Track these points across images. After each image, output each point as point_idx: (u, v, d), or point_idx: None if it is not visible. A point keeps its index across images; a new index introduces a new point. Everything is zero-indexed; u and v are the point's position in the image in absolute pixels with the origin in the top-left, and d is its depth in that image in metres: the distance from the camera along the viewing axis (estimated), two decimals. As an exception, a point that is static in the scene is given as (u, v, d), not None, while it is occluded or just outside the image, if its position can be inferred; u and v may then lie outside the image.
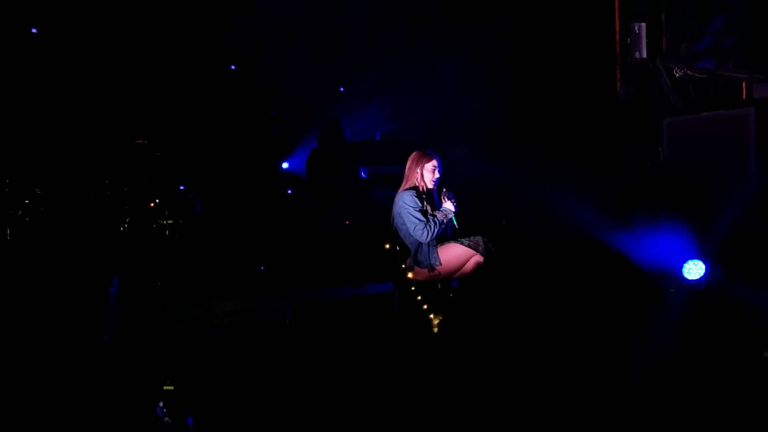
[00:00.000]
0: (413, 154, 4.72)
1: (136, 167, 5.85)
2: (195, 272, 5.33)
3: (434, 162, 4.65)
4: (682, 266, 4.75)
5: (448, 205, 4.59)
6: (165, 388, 1.53)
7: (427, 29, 6.67)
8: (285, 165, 7.22)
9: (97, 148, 5.89)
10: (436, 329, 4.42)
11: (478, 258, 4.52)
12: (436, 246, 4.55)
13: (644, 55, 5.33)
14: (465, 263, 4.55)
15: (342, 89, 7.37)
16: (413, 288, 4.64)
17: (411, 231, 4.51)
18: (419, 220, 4.48)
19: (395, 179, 4.83)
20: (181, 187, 6.27)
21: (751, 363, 3.61)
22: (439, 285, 4.64)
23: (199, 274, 5.32)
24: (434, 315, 4.49)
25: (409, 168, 4.68)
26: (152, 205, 5.79)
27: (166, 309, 4.68)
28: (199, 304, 4.71)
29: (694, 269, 4.73)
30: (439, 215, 4.55)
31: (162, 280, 5.17)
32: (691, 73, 5.25)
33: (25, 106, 5.66)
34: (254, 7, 6.72)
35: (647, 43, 5.29)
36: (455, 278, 4.64)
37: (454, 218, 4.60)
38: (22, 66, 5.68)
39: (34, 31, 5.76)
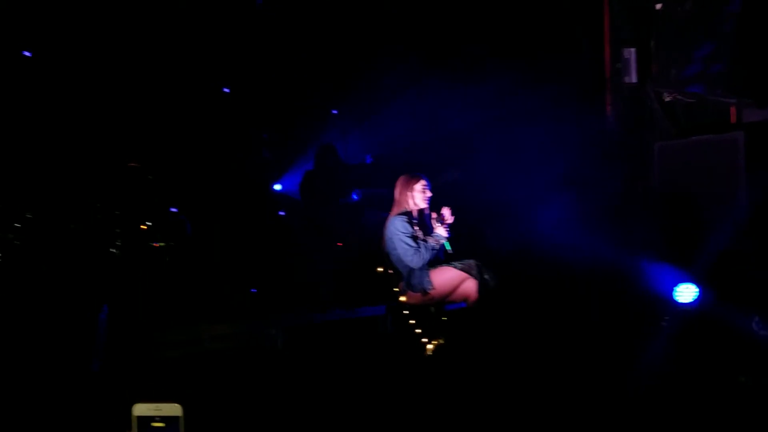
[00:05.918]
0: (400, 178, 4.70)
1: (128, 190, 5.82)
2: (186, 296, 5.29)
3: (422, 182, 4.64)
4: (673, 290, 4.76)
5: (441, 231, 4.57)
6: (153, 425, 1.50)
7: (419, 55, 6.72)
8: (278, 187, 7.20)
9: (88, 171, 5.86)
10: (429, 353, 4.39)
11: (471, 281, 4.51)
12: (428, 270, 4.54)
13: (634, 80, 5.39)
14: (458, 286, 4.54)
15: (335, 112, 7.39)
16: (406, 311, 4.62)
17: (402, 257, 4.50)
18: (410, 246, 4.47)
19: (387, 201, 4.83)
20: (173, 209, 6.24)
21: (728, 387, 3.62)
22: (432, 308, 4.62)
23: (190, 298, 5.28)
24: (428, 339, 4.47)
25: (398, 192, 4.67)
26: (143, 227, 5.76)
27: (156, 334, 4.64)
28: (190, 329, 4.68)
29: (686, 292, 4.74)
30: (431, 241, 4.53)
31: (152, 305, 5.12)
32: (681, 98, 5.30)
33: (14, 130, 5.64)
34: (247, 29, 6.74)
35: (637, 68, 5.34)
36: (448, 302, 4.63)
37: (446, 243, 4.59)
38: (13, 87, 5.66)
39: (27, 54, 5.76)
